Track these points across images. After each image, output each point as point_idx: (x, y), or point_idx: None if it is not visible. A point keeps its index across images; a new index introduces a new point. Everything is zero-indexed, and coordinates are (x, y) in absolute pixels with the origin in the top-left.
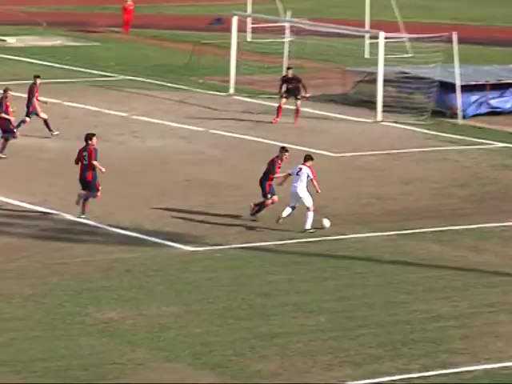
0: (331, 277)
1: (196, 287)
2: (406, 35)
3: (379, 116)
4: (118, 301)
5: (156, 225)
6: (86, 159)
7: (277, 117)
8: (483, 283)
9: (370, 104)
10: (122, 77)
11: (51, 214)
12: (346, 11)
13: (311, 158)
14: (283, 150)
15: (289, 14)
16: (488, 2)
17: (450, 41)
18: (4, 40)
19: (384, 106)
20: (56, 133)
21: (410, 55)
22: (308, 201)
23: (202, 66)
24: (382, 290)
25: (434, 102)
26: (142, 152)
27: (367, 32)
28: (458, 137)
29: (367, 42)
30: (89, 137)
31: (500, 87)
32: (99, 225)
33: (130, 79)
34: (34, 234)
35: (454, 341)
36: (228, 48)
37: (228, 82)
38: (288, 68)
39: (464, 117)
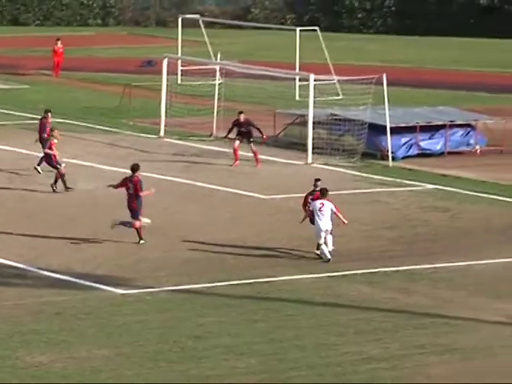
0: (262, 319)
1: (127, 330)
2: (335, 77)
3: (310, 158)
4: (48, 344)
5: (87, 267)
6: (131, 189)
7: (235, 160)
8: (413, 325)
9: (301, 146)
10: (51, 119)
11: None
12: (276, 54)
13: (327, 191)
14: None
15: (219, 56)
16: (417, 44)
17: (379, 83)
18: None
19: (314, 148)
20: None
21: (340, 97)
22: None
23: (132, 108)
24: (313, 331)
25: (365, 143)
26: (72, 195)
27: (297, 74)
28: (389, 179)
29: (297, 84)
30: (135, 168)
31: (430, 129)
32: (29, 268)
33: (60, 122)
34: None
35: (385, 382)
36: (158, 90)
37: (159, 124)
38: (240, 112)
39: (394, 159)
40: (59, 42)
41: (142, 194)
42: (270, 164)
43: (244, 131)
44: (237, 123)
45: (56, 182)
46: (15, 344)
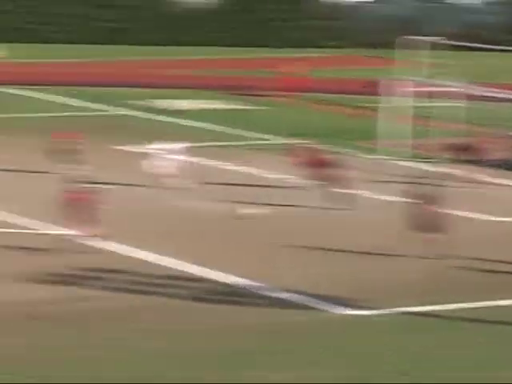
0: None
1: (360, 353)
2: None
3: None
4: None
5: (319, 287)
6: None
7: None
8: None
9: None
10: (284, 141)
11: (213, 276)
12: (507, 76)
13: None
14: None
15: (456, 78)
16: None
17: None
18: (168, 104)
19: None
20: None
21: None
22: None
23: (361, 129)
24: None
25: None
26: (306, 217)
27: None
28: None
29: None
30: None
31: None
32: (259, 287)
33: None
34: (196, 296)
35: None
36: (391, 112)
37: (396, 146)
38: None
39: None
40: (295, 63)
41: None
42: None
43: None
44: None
45: None
46: (238, 363)
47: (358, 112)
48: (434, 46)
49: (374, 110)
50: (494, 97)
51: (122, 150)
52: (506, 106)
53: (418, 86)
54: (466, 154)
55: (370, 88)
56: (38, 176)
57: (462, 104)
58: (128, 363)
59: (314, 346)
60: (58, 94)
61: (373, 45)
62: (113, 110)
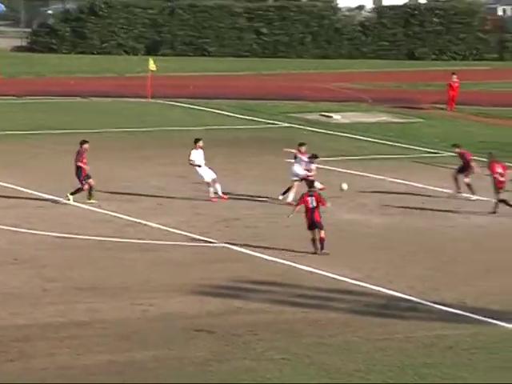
0: None
1: None
2: None
3: None
4: (442, 379)
5: (479, 302)
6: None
7: None
8: None
9: None
10: (446, 154)
11: (374, 289)
12: None
13: None
14: None
15: None
16: None
17: None
18: (330, 116)
19: None
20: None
21: None
22: None
23: None
24: None
25: None
26: (467, 228)
27: None
28: None
29: None
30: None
31: None
32: (421, 301)
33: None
34: (357, 309)
35: None
36: None
37: None
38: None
39: None
40: (455, 76)
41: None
42: None
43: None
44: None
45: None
46: (407, 377)
47: None
48: None
49: None
50: None
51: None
52: None
53: None
54: None
55: None
56: None
57: None
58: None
59: (490, 360)
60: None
61: None
62: (274, 123)
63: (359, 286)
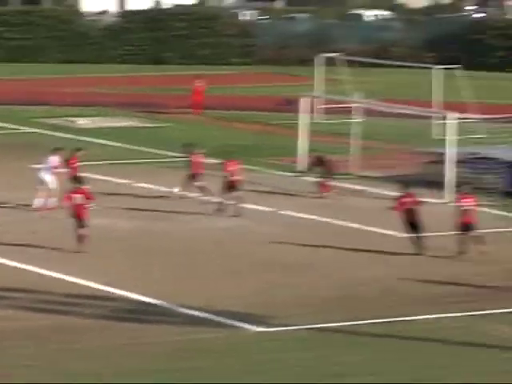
0: (403, 358)
1: (265, 368)
2: (475, 116)
3: (449, 197)
4: (190, 382)
5: (225, 305)
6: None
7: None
8: None
9: (440, 185)
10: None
11: (121, 294)
12: (415, 92)
13: None
14: None
15: (358, 94)
16: None
17: None
18: (76, 121)
19: (454, 186)
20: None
21: (479, 136)
22: None
23: (271, 146)
24: (454, 371)
25: (506, 182)
26: (213, 231)
27: (436, 112)
28: None
29: (437, 122)
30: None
31: None
32: (169, 305)
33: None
34: (104, 314)
35: None
36: (297, 129)
37: (297, 162)
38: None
39: None
40: (199, 81)
41: None
42: None
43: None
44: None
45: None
46: (157, 382)
47: (266, 129)
48: (344, 63)
49: (287, 127)
50: (398, 113)
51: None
52: (409, 122)
53: (324, 102)
54: (322, 167)
55: (283, 105)
56: None
57: (365, 119)
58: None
59: (219, 364)
60: None
61: (282, 62)
62: (18, 128)
63: (106, 291)
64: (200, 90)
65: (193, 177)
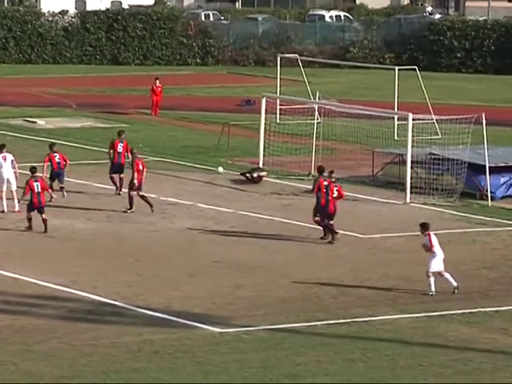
0: (360, 358)
1: (224, 369)
2: (434, 116)
3: (408, 198)
4: (146, 383)
5: (185, 306)
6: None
7: None
8: None
9: (399, 185)
10: (150, 158)
11: (79, 294)
12: (374, 93)
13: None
14: None
15: (318, 95)
16: None
17: (478, 122)
18: (34, 122)
19: (413, 187)
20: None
21: (438, 137)
22: None
23: (230, 147)
24: (411, 372)
25: (464, 183)
26: (170, 233)
27: (396, 113)
28: (488, 218)
29: (396, 123)
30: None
31: None
32: (127, 306)
33: (158, 160)
34: (62, 315)
35: None
36: (257, 129)
37: (257, 163)
38: None
39: (493, 198)
40: (158, 81)
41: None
42: (368, 203)
43: None
44: None
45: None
46: (112, 382)
47: (220, 129)
48: (299, 64)
49: (247, 128)
50: (357, 113)
51: None
52: (368, 123)
53: (283, 103)
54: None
55: (245, 106)
56: None
57: (325, 120)
58: None
59: (194, 364)
60: None
61: (237, 62)
62: None
63: (64, 291)
64: (158, 91)
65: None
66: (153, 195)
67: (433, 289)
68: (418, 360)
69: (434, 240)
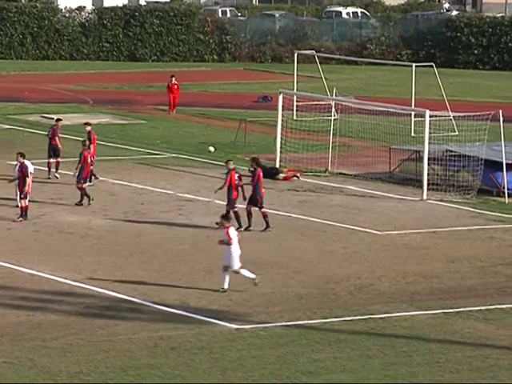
0: (376, 355)
1: (241, 365)
2: (451, 113)
3: (425, 194)
4: (163, 378)
5: (201, 302)
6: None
7: None
8: None
9: (416, 182)
10: (167, 155)
11: (96, 291)
12: (391, 90)
13: None
14: None
15: (335, 92)
16: None
17: (495, 119)
18: (52, 118)
19: (430, 184)
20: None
21: (455, 133)
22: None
23: (247, 143)
24: (427, 368)
25: (480, 180)
26: (187, 229)
27: (413, 110)
28: (505, 215)
29: (413, 120)
30: None
31: None
32: (145, 302)
33: (176, 157)
34: (79, 311)
35: None
36: (274, 126)
37: (274, 159)
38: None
39: (510, 195)
40: (173, 79)
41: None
42: (384, 200)
43: None
44: None
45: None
46: (129, 378)
47: (237, 125)
48: (316, 60)
49: (264, 124)
50: (374, 110)
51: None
52: (385, 120)
53: (300, 99)
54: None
55: (262, 102)
56: None
57: (344, 117)
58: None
59: (211, 360)
60: None
61: (253, 58)
62: None
63: (81, 287)
64: (174, 89)
65: None
66: (170, 191)
67: (226, 286)
68: (434, 357)
69: (233, 234)
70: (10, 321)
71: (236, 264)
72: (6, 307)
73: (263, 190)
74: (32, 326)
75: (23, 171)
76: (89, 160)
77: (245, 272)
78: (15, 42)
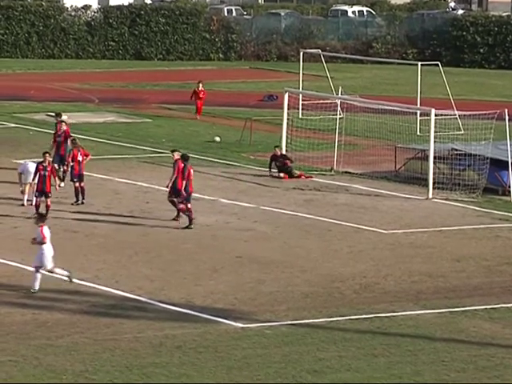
0: (382, 354)
1: (247, 364)
2: (457, 112)
3: (430, 193)
4: (168, 377)
5: (207, 301)
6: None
7: None
8: None
9: (422, 181)
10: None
11: (101, 289)
12: (397, 88)
13: None
14: None
15: (340, 90)
16: None
17: (501, 118)
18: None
19: (435, 183)
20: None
21: (461, 132)
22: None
23: (253, 142)
24: (433, 367)
25: (486, 179)
26: (193, 228)
27: (418, 109)
28: (510, 214)
29: (418, 118)
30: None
31: None
32: (150, 301)
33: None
34: (84, 309)
35: None
36: (279, 124)
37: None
38: (275, 146)
39: None
40: (201, 85)
41: None
42: (390, 198)
43: (279, 165)
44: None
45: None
46: (134, 377)
47: (243, 124)
48: (322, 59)
49: (269, 123)
50: (380, 109)
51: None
52: (391, 118)
53: (306, 98)
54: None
55: (267, 101)
56: None
57: (349, 115)
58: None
59: (217, 359)
60: None
61: (259, 57)
62: (4, 123)
63: (86, 286)
64: (202, 95)
65: None
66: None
67: (36, 287)
68: (440, 356)
69: (47, 233)
70: (15, 319)
71: (49, 264)
72: (12, 306)
73: (192, 189)
74: (37, 325)
75: (52, 170)
76: (79, 158)
77: (59, 270)
78: (21, 40)
